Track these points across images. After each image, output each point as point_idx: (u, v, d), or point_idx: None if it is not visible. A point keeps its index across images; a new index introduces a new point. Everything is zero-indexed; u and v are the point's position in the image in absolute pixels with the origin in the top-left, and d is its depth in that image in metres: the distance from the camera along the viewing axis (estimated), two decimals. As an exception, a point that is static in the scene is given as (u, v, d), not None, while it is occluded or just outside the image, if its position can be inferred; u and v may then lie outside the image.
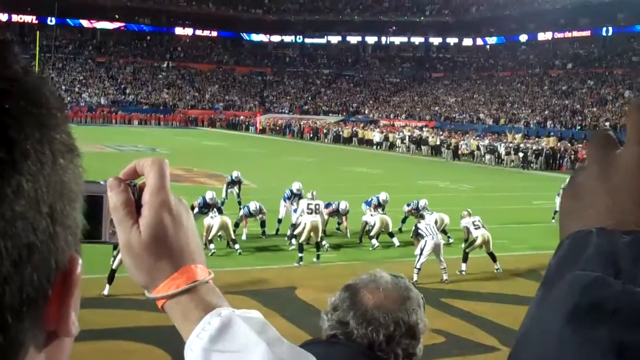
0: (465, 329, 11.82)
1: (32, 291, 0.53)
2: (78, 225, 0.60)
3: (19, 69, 0.58)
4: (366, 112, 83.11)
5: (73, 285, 0.58)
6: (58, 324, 0.57)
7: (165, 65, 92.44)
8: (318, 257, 16.24)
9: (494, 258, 16.04)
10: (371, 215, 18.63)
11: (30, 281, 0.52)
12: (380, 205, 19.36)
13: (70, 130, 0.62)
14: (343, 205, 18.81)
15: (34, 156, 0.53)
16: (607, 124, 57.93)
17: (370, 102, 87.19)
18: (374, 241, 18.24)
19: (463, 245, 16.60)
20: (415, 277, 14.56)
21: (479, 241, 15.99)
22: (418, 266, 14.84)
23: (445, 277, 15.01)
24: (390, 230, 18.67)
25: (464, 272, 15.78)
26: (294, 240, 17.25)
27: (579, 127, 59.55)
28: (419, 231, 15.35)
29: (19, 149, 0.52)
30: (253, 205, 17.97)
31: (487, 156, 47.42)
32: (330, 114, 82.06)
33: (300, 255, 16.00)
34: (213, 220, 16.53)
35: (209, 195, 17.38)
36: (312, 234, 16.36)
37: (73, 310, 0.59)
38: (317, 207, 16.69)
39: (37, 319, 0.54)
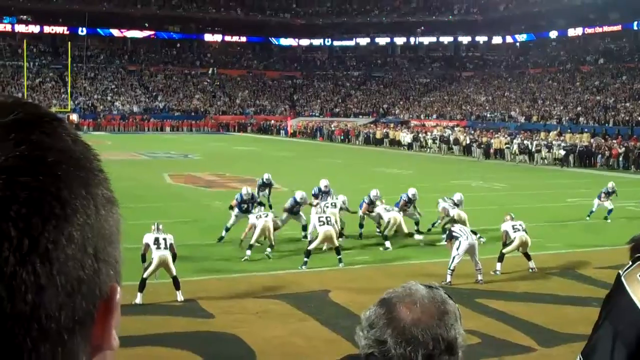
0: (500, 329, 11.73)
1: (82, 315, 0.66)
2: (118, 261, 0.72)
3: (69, 140, 0.69)
4: (397, 113, 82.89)
5: (114, 309, 0.71)
6: (102, 340, 0.70)
7: (210, 71, 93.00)
8: (340, 260, 16.24)
9: (528, 257, 15.93)
10: (387, 211, 18.60)
11: (80, 307, 0.65)
12: (410, 202, 19.37)
13: (109, 185, 0.73)
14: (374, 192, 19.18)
15: (82, 210, 0.66)
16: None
17: (401, 102, 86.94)
18: (387, 243, 18.18)
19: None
20: (448, 279, 14.54)
21: (516, 243, 15.90)
22: (452, 267, 14.77)
23: (480, 277, 14.92)
24: (404, 229, 18.57)
25: (498, 272, 15.68)
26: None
27: (612, 123, 58.87)
28: (453, 233, 15.24)
29: (70, 206, 0.65)
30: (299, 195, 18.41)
31: (520, 155, 47.00)
32: (361, 116, 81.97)
33: (305, 260, 16.00)
34: (258, 221, 16.62)
35: (244, 191, 17.77)
36: (325, 243, 16.53)
37: (114, 328, 0.71)
38: (329, 219, 16.57)
39: (86, 336, 0.67)
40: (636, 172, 42.08)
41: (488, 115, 72.06)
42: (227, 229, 18.22)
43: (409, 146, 58.10)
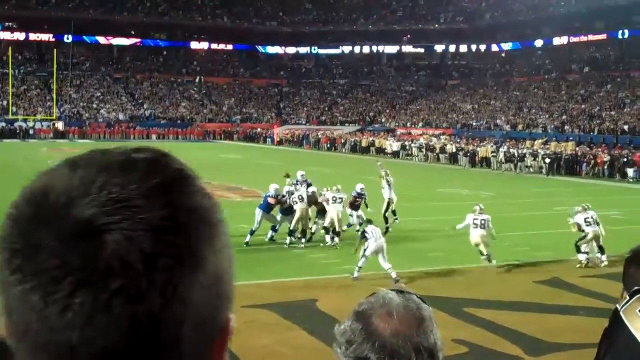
0: (488, 338, 11.68)
1: (207, 341, 0.81)
2: (231, 294, 0.85)
3: (199, 197, 0.82)
4: (383, 121, 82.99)
5: (228, 334, 0.85)
6: (219, 356, 0.84)
7: (196, 79, 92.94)
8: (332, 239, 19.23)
9: (602, 251, 16.84)
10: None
11: (206, 335, 0.81)
12: (360, 197, 20.63)
13: (226, 228, 0.85)
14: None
15: (208, 259, 0.79)
16: (626, 127, 57.54)
17: (387, 111, 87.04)
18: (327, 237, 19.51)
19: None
20: (355, 274, 15.43)
21: (590, 236, 16.84)
22: (360, 265, 15.54)
23: (394, 275, 15.34)
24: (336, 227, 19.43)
25: (583, 262, 16.95)
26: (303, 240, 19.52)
27: (597, 131, 59.14)
28: (365, 234, 15.79)
29: (200, 258, 0.78)
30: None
31: (506, 164, 47.11)
32: (347, 124, 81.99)
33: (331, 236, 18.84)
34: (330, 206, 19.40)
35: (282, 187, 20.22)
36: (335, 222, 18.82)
37: (226, 348, 0.86)
38: (301, 197, 19.28)
39: (210, 356, 0.82)
40: (621, 180, 42.24)
41: (474, 123, 72.22)
42: (252, 232, 18.83)
43: (395, 154, 58.13)
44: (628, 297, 1.17)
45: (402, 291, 1.74)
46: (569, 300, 14.15)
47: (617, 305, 1.19)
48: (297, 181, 20.93)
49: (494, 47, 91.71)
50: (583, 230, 17.02)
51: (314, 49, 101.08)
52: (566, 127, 62.79)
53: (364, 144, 63.35)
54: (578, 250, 17.05)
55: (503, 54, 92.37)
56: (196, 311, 0.78)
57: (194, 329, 0.78)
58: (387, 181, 21.51)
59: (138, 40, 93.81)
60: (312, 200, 19.66)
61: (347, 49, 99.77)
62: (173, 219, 0.77)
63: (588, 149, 49.41)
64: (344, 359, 1.68)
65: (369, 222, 16.51)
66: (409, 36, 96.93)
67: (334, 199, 19.39)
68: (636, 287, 1.13)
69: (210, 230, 0.81)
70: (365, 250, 15.53)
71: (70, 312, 0.72)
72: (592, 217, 17.01)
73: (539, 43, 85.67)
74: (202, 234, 0.79)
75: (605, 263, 16.39)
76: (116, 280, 0.73)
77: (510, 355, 10.97)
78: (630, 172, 43.11)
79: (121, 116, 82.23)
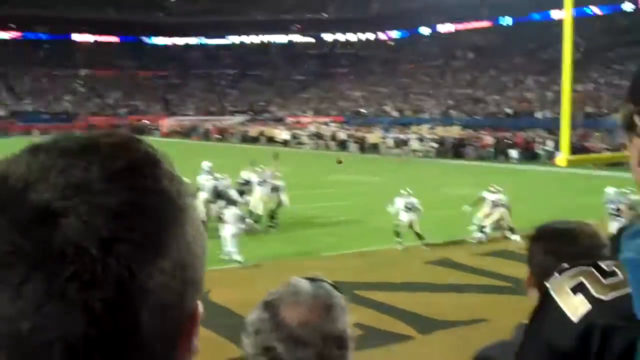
0: (381, 320, 11.70)
1: (172, 329, 0.78)
2: (200, 282, 0.82)
3: (165, 181, 0.78)
4: (273, 110, 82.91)
5: (196, 322, 0.83)
6: (187, 347, 0.83)
7: (81, 73, 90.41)
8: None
9: (512, 231, 17.86)
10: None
11: (170, 323, 0.78)
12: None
13: (197, 213, 0.83)
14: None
15: (174, 246, 0.76)
16: (509, 110, 59.36)
17: (277, 100, 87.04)
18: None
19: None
20: (237, 257, 15.73)
21: (495, 217, 18.28)
22: (230, 248, 15.87)
23: (238, 258, 15.80)
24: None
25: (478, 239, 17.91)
26: None
27: (482, 115, 60.75)
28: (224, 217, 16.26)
29: (165, 244, 0.75)
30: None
31: (395, 149, 47.83)
32: (237, 114, 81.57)
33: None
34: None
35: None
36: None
37: (195, 337, 0.84)
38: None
39: (175, 345, 0.80)
40: (506, 161, 43.53)
41: (363, 110, 73.02)
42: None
43: (285, 143, 58.16)
44: (556, 274, 1.12)
45: (315, 279, 1.72)
46: (459, 279, 14.39)
47: (546, 283, 1.11)
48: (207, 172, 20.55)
49: (382, 36, 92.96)
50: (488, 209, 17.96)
51: (202, 40, 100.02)
52: (452, 111, 64.24)
53: (254, 133, 63.10)
54: (480, 230, 17.89)
55: (391, 42, 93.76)
56: (156, 298, 0.74)
57: (155, 316, 0.75)
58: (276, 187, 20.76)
59: (19, 34, 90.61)
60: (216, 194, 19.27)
61: (236, 39, 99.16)
62: (134, 204, 0.74)
63: (473, 132, 50.71)
64: (252, 349, 1.64)
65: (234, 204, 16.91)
66: (298, 26, 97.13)
67: (260, 183, 19.71)
68: (564, 265, 1.09)
69: (176, 215, 0.78)
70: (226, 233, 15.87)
71: (21, 300, 0.70)
72: (499, 199, 17.98)
73: (425, 31, 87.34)
74: (166, 218, 0.76)
75: (518, 240, 16.72)
76: (70, 266, 0.70)
77: (403, 335, 11.05)
78: (513, 153, 44.57)
79: (2, 112, 79.16)
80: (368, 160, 45.09)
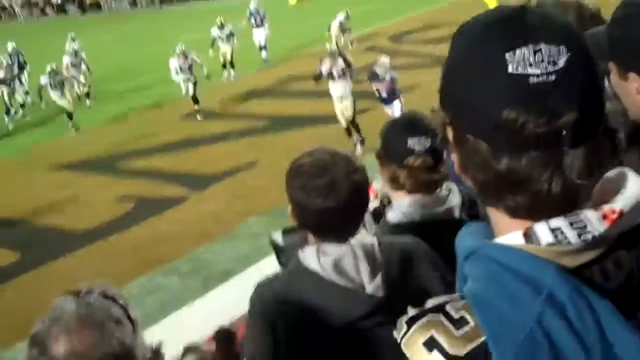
0: (151, 187, 11.47)
1: None
2: None
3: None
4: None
5: None
6: None
7: None
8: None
9: (233, 66, 18.63)
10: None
11: None
12: None
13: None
14: None
15: None
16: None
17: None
18: None
19: None
20: None
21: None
22: None
23: None
24: None
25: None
26: None
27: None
28: None
29: None
30: None
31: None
32: None
33: None
34: None
35: None
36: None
37: None
38: None
39: None
40: None
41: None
42: None
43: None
44: (405, 328, 1.06)
45: (80, 294, 1.52)
46: (219, 128, 14.28)
47: (395, 335, 1.07)
48: None
49: None
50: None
51: None
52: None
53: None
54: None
55: None
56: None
57: None
58: None
59: None
60: None
61: None
62: None
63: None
64: None
65: None
66: None
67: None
68: (411, 314, 1.06)
69: None
70: None
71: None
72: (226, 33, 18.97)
73: None
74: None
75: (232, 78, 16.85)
76: None
77: (175, 198, 10.89)
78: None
79: None
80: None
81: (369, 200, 2.04)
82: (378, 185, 2.89)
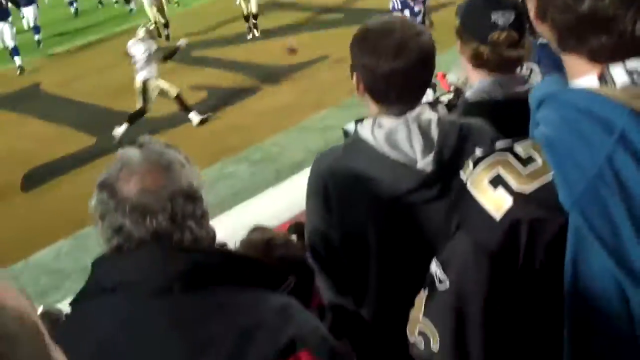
0: (224, 78, 11.56)
1: None
2: None
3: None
4: None
5: None
6: None
7: None
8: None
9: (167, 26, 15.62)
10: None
11: None
12: None
13: None
14: None
15: None
16: None
17: None
18: None
19: None
20: None
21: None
22: None
23: None
24: None
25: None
26: None
27: None
28: None
29: None
30: None
31: None
32: None
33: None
34: None
35: None
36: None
37: None
38: None
39: None
40: None
41: None
42: None
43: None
44: (472, 166, 1.01)
45: (141, 143, 1.57)
46: (291, 19, 14.12)
47: (462, 176, 1.02)
48: None
49: None
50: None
51: None
52: None
53: None
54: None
55: None
56: None
57: None
58: None
59: None
60: None
61: None
62: None
63: None
64: (104, 236, 1.52)
65: None
66: None
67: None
68: (477, 153, 1.01)
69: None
70: None
71: None
72: None
73: None
74: None
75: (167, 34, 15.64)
76: None
77: (248, 89, 10.94)
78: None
79: None
80: None
81: (435, 67, 2.00)
82: (452, 78, 2.88)
